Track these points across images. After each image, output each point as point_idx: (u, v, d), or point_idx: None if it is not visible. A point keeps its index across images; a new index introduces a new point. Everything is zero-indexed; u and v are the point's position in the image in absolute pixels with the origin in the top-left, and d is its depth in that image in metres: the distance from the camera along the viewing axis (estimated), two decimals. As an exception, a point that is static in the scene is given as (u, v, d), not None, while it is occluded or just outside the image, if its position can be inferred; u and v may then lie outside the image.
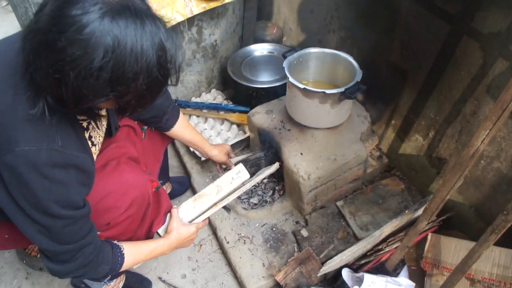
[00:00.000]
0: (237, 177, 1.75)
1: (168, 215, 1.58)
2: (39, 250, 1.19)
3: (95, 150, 1.28)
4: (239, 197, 2.07)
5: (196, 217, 1.63)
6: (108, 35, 0.85)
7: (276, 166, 1.88)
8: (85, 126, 1.21)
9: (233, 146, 2.30)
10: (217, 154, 1.93)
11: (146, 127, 1.70)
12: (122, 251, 1.32)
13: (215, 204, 1.67)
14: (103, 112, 1.32)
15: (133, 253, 1.37)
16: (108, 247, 1.28)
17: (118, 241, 1.35)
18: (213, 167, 2.28)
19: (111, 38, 0.85)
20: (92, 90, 0.89)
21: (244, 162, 2.04)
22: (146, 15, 0.92)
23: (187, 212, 1.62)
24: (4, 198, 1.03)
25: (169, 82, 1.04)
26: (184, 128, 1.80)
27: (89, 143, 1.23)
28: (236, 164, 1.89)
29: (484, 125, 1.11)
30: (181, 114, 1.77)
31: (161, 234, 1.55)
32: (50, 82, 0.90)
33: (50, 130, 1.00)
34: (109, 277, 1.56)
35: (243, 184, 1.76)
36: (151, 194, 1.45)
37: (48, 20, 0.86)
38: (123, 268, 1.34)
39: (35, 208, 1.03)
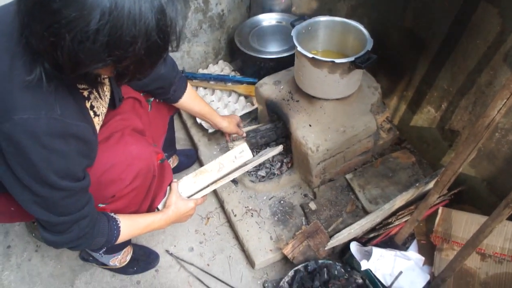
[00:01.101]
0: (240, 156, 1.72)
1: (168, 188, 1.55)
2: (36, 219, 1.17)
3: (98, 121, 1.25)
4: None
5: (195, 193, 1.61)
6: None
7: (280, 148, 1.84)
8: (86, 96, 1.17)
9: (241, 117, 2.27)
10: (228, 126, 1.91)
11: (152, 99, 1.66)
12: (119, 223, 1.31)
13: (215, 181, 1.64)
14: (106, 82, 1.29)
15: (130, 226, 1.35)
16: (104, 219, 1.27)
17: (114, 214, 1.34)
18: (221, 139, 2.26)
19: None
20: (89, 54, 0.85)
21: (254, 132, 2.01)
22: None
23: (187, 187, 1.60)
24: (1, 168, 1.01)
25: (170, 48, 0.98)
26: (193, 99, 1.76)
27: (91, 113, 1.19)
28: (244, 137, 1.87)
29: (501, 94, 1.06)
30: (188, 85, 1.73)
31: (160, 208, 1.54)
32: (45, 46, 0.86)
33: (49, 98, 0.97)
34: (104, 249, 1.57)
35: (245, 163, 1.72)
36: (156, 166, 1.43)
37: None
38: (119, 241, 1.32)
39: (33, 178, 1.01)
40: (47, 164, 1.00)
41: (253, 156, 1.78)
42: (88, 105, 1.18)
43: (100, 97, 1.26)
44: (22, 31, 0.90)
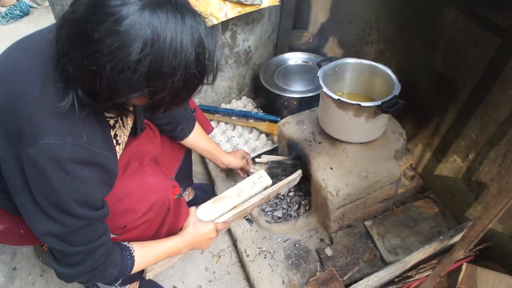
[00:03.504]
0: (259, 181, 1.69)
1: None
2: (49, 250, 1.15)
3: (119, 149, 1.25)
4: (262, 210, 1.99)
5: (215, 219, 1.57)
6: (148, 27, 0.82)
7: (299, 173, 1.80)
8: (111, 124, 1.18)
9: (260, 156, 2.23)
10: (234, 160, 1.89)
11: None
12: (132, 253, 1.26)
13: (235, 206, 1.61)
14: (130, 115, 1.28)
15: (145, 255, 1.30)
16: (117, 249, 1.23)
17: (128, 242, 1.29)
18: (238, 176, 2.22)
19: (151, 30, 0.82)
20: (128, 84, 0.86)
21: (278, 164, 1.99)
22: (187, 10, 0.89)
23: (206, 213, 1.56)
24: (23, 192, 1.00)
25: (205, 81, 1.00)
26: (199, 137, 1.76)
27: (114, 141, 1.19)
28: (268, 165, 1.83)
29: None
30: (196, 124, 1.73)
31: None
32: (84, 74, 0.87)
33: (76, 125, 0.97)
34: (120, 281, 1.49)
35: (265, 189, 1.70)
36: (172, 200, 1.40)
37: (86, 10, 0.84)
38: (134, 270, 1.27)
39: (53, 205, 1.00)
40: (69, 191, 0.99)
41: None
42: (112, 133, 1.17)
43: (124, 126, 1.26)
44: (59, 58, 0.91)
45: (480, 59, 1.57)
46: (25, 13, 4.27)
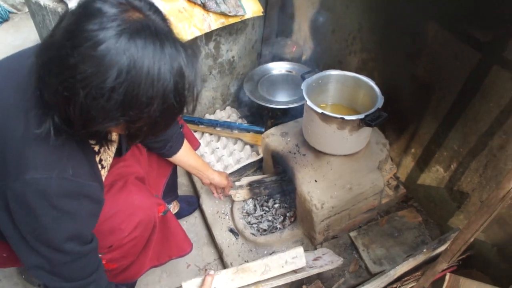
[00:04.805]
0: (292, 262, 1.55)
1: (200, 280, 1.45)
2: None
3: (104, 173, 1.23)
4: (248, 222, 1.99)
5: None
6: (124, 54, 0.78)
7: (340, 262, 1.69)
8: (96, 150, 1.15)
9: (245, 167, 2.23)
10: (218, 176, 1.87)
11: None
12: None
13: (255, 283, 1.51)
14: (114, 136, 1.26)
15: None
16: None
17: None
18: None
19: (127, 57, 0.79)
20: (102, 112, 0.83)
21: (258, 183, 1.97)
22: (167, 37, 0.85)
23: (223, 282, 1.47)
24: (8, 226, 0.99)
25: (185, 111, 0.96)
26: (187, 153, 1.74)
27: (99, 166, 1.17)
28: (248, 187, 1.78)
29: (517, 167, 1.02)
30: (185, 141, 1.71)
31: None
32: (58, 100, 0.84)
33: (61, 157, 0.95)
34: None
35: (296, 272, 1.57)
36: (157, 217, 1.39)
37: (63, 34, 0.81)
38: None
39: (39, 239, 0.99)
40: (56, 225, 0.98)
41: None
42: (97, 159, 1.15)
43: (108, 148, 1.24)
44: (37, 84, 0.88)
45: (460, 72, 1.60)
46: (4, 19, 4.18)
